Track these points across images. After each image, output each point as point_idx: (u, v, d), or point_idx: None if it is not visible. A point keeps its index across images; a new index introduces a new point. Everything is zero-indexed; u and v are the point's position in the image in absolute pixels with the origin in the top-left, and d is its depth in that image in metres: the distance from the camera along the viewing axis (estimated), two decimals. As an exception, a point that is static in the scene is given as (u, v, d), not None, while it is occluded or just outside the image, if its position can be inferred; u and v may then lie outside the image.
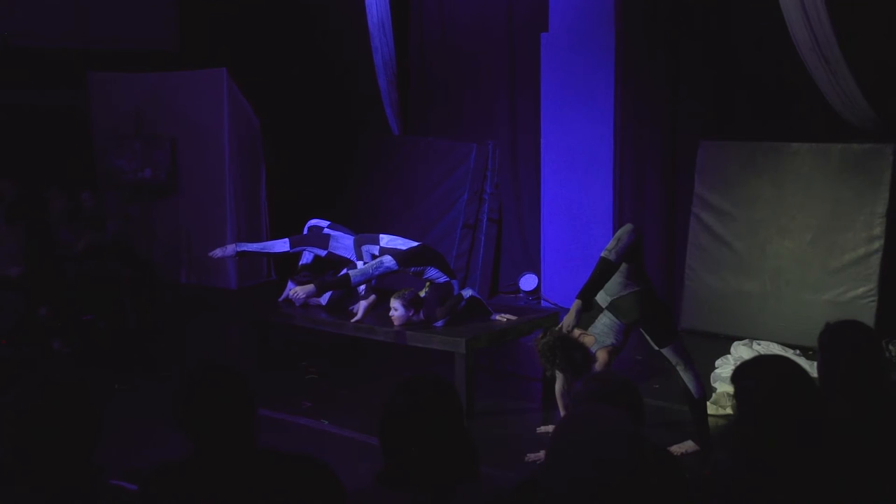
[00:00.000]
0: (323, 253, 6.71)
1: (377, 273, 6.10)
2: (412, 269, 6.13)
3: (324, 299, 6.77)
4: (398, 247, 6.21)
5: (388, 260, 6.08)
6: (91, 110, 10.54)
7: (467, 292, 6.26)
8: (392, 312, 6.10)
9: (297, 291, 6.40)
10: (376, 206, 9.88)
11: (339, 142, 10.47)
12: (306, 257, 6.95)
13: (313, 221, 6.99)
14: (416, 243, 6.25)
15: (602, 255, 4.96)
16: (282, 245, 6.73)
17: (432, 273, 6.12)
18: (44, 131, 9.86)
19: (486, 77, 9.51)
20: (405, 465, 2.28)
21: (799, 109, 7.58)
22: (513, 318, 6.19)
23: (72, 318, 7.81)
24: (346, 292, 6.67)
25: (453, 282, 6.17)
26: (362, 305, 6.37)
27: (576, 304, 4.91)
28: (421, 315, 6.13)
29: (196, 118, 10.04)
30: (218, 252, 6.77)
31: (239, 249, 6.76)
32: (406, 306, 6.07)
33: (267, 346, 7.08)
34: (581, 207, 8.68)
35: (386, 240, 6.31)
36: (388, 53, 9.64)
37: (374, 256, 6.27)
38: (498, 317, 6.18)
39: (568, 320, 4.95)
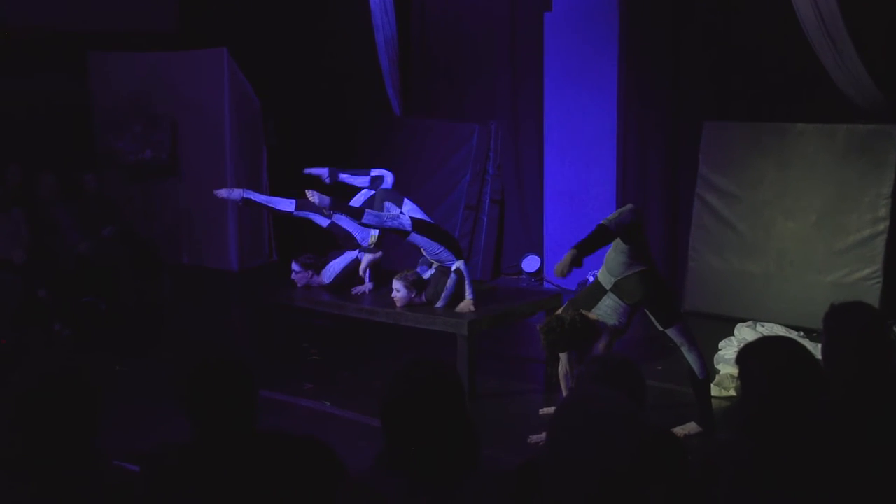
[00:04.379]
0: (325, 223, 6.70)
1: (389, 225, 6.07)
2: (422, 240, 6.06)
3: (327, 277, 6.78)
4: (418, 217, 6.26)
5: (405, 219, 6.08)
6: (91, 91, 10.51)
7: (454, 265, 6.11)
8: (394, 294, 6.10)
9: (311, 194, 6.29)
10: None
11: (340, 122, 10.44)
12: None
13: None
14: (432, 221, 6.30)
15: (601, 222, 4.96)
16: (287, 204, 6.73)
17: (442, 254, 6.08)
18: (43, 113, 9.83)
19: (488, 57, 9.46)
20: (406, 448, 2.28)
21: (804, 89, 7.54)
22: (472, 308, 6.02)
23: (72, 300, 7.81)
24: (352, 273, 6.70)
25: (458, 262, 6.10)
26: (367, 258, 6.39)
27: (571, 253, 4.87)
28: (423, 297, 6.13)
29: (196, 99, 10.01)
30: (223, 192, 6.79)
31: (245, 196, 6.76)
32: (408, 287, 6.07)
33: (268, 327, 7.08)
34: (584, 188, 8.66)
35: (409, 206, 6.36)
36: (390, 33, 9.58)
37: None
38: (462, 304, 6.03)
39: (560, 266, 4.89)
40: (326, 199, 6.20)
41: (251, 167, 10.36)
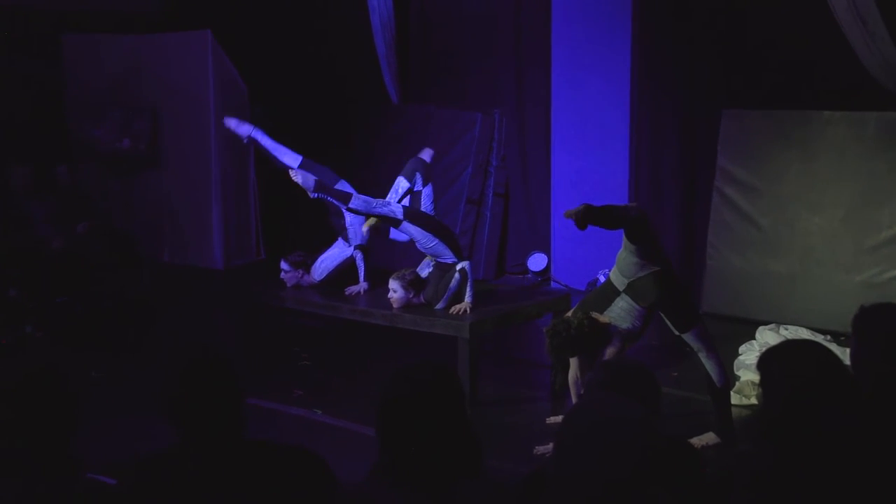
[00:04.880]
0: (314, 195, 6.65)
1: (378, 212, 6.14)
2: (414, 230, 6.07)
3: (317, 275, 6.79)
4: (426, 207, 6.39)
5: (396, 206, 6.15)
6: (65, 76, 10.50)
7: (460, 265, 6.13)
8: (391, 294, 6.10)
9: (295, 173, 6.28)
10: (374, 180, 9.84)
11: (333, 110, 10.43)
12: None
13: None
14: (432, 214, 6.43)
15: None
16: (292, 159, 6.76)
17: (436, 247, 6.09)
18: (14, 99, 9.82)
19: (492, 40, 9.45)
20: (403, 458, 2.28)
21: (831, 74, 7.52)
22: (468, 311, 6.05)
23: (45, 300, 7.81)
24: (346, 270, 6.71)
25: (464, 263, 6.10)
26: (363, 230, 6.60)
27: (585, 206, 4.86)
28: (422, 297, 6.13)
29: (179, 84, 10.00)
30: (232, 122, 6.82)
31: (253, 134, 6.80)
32: (406, 287, 6.07)
33: (256, 330, 7.09)
34: (594, 181, 8.65)
35: (428, 191, 6.54)
36: (387, 14, 9.58)
37: (409, 191, 6.54)
38: (457, 306, 6.05)
39: (570, 211, 4.88)
40: (311, 181, 6.22)
41: (237, 158, 10.35)
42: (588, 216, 4.83)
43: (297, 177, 6.21)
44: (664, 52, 8.34)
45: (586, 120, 8.67)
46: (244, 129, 6.75)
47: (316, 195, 6.30)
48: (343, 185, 6.75)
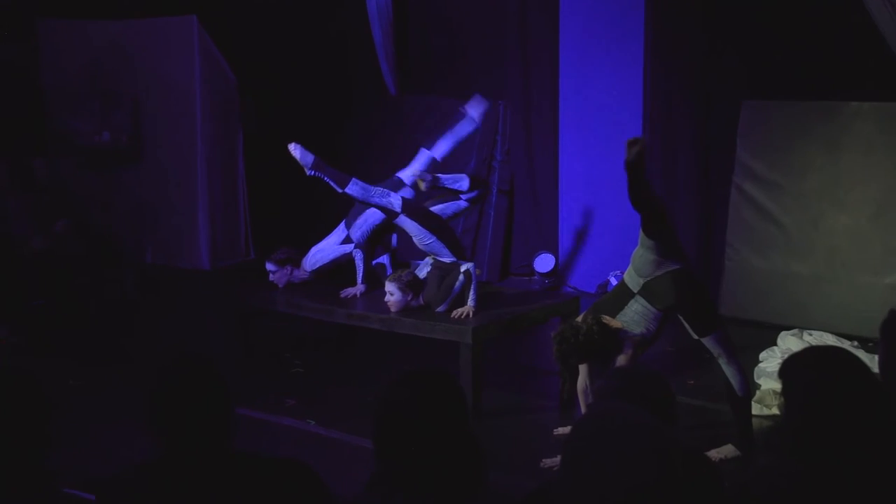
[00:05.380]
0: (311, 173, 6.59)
1: (376, 202, 6.18)
2: (412, 225, 6.09)
3: (309, 265, 6.77)
4: (445, 208, 6.45)
5: (395, 198, 6.16)
6: (41, 63, 10.51)
7: (464, 266, 6.14)
8: (388, 297, 6.10)
9: (294, 147, 6.21)
10: (370, 175, 9.83)
11: (327, 102, 10.44)
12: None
13: None
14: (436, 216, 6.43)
15: None
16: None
17: (433, 244, 6.10)
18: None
19: (496, 28, 9.46)
20: (401, 471, 2.28)
21: (858, 63, 7.52)
22: (470, 316, 6.03)
23: (21, 303, 7.82)
24: (344, 270, 6.71)
25: (469, 264, 6.10)
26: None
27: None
28: (420, 300, 6.13)
29: (162, 74, 10.01)
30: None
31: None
32: (403, 290, 6.07)
33: (245, 335, 7.09)
34: (604, 177, 8.65)
35: (462, 204, 6.54)
36: (384, 0, 9.59)
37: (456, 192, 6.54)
38: (459, 310, 6.03)
39: (636, 139, 4.74)
40: (310, 157, 6.19)
41: (226, 153, 10.37)
42: (641, 160, 4.68)
43: (295, 151, 6.19)
44: (679, 40, 8.34)
45: (596, 112, 8.67)
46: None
47: (312, 173, 6.27)
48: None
